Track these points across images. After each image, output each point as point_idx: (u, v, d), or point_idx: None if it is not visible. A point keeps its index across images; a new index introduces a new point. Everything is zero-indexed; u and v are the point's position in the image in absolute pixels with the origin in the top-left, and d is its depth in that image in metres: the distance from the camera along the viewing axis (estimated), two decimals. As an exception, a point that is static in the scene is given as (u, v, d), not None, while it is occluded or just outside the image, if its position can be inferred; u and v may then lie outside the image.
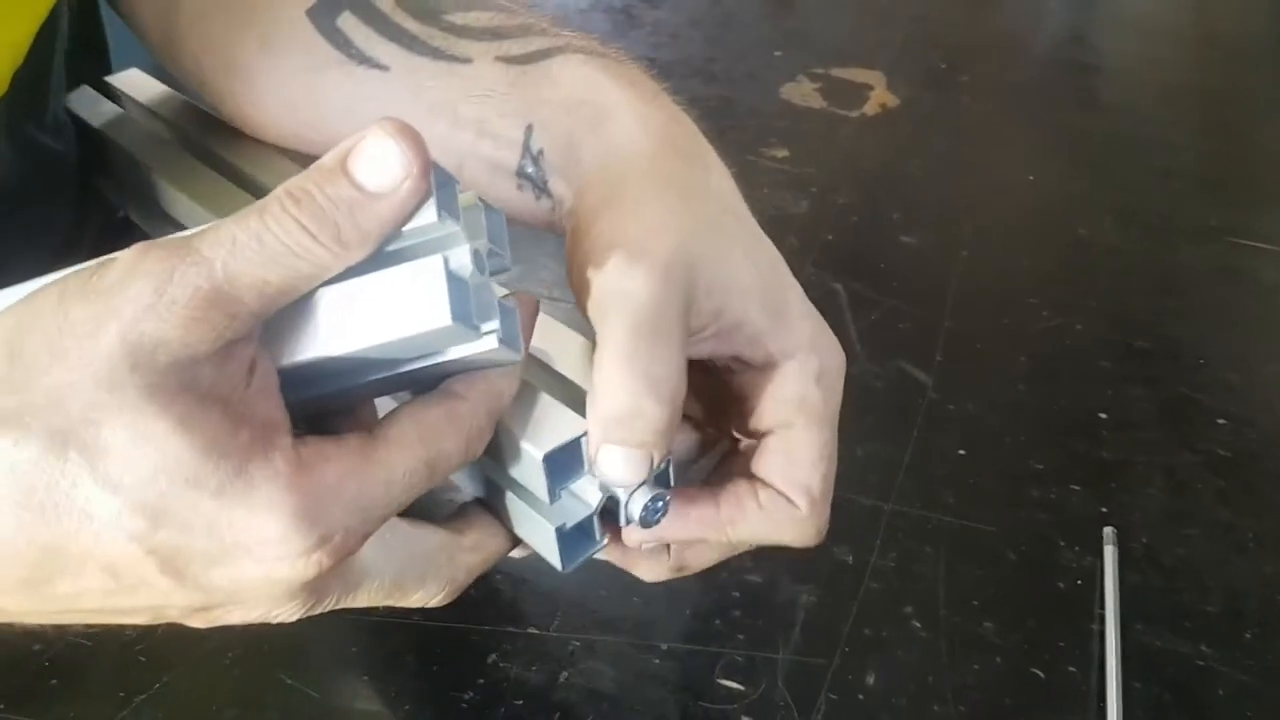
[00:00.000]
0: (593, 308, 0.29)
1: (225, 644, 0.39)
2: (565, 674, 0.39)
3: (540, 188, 0.35)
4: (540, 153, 0.34)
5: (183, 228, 0.45)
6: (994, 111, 0.80)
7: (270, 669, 0.38)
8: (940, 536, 0.45)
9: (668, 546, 0.33)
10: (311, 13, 0.39)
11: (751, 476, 0.31)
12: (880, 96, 0.79)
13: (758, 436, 0.31)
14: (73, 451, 0.23)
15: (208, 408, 0.24)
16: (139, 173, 0.47)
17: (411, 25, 0.38)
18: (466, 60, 0.36)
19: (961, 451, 0.49)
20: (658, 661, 0.39)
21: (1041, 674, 0.40)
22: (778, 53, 0.85)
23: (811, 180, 0.69)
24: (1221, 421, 0.52)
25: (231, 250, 0.23)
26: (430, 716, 0.37)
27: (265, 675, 0.38)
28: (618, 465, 0.29)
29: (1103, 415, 0.52)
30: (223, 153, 0.45)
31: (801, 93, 0.79)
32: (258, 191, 0.42)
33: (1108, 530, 0.45)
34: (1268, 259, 0.65)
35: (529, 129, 0.34)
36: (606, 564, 0.40)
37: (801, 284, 0.59)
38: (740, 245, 0.31)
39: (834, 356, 0.32)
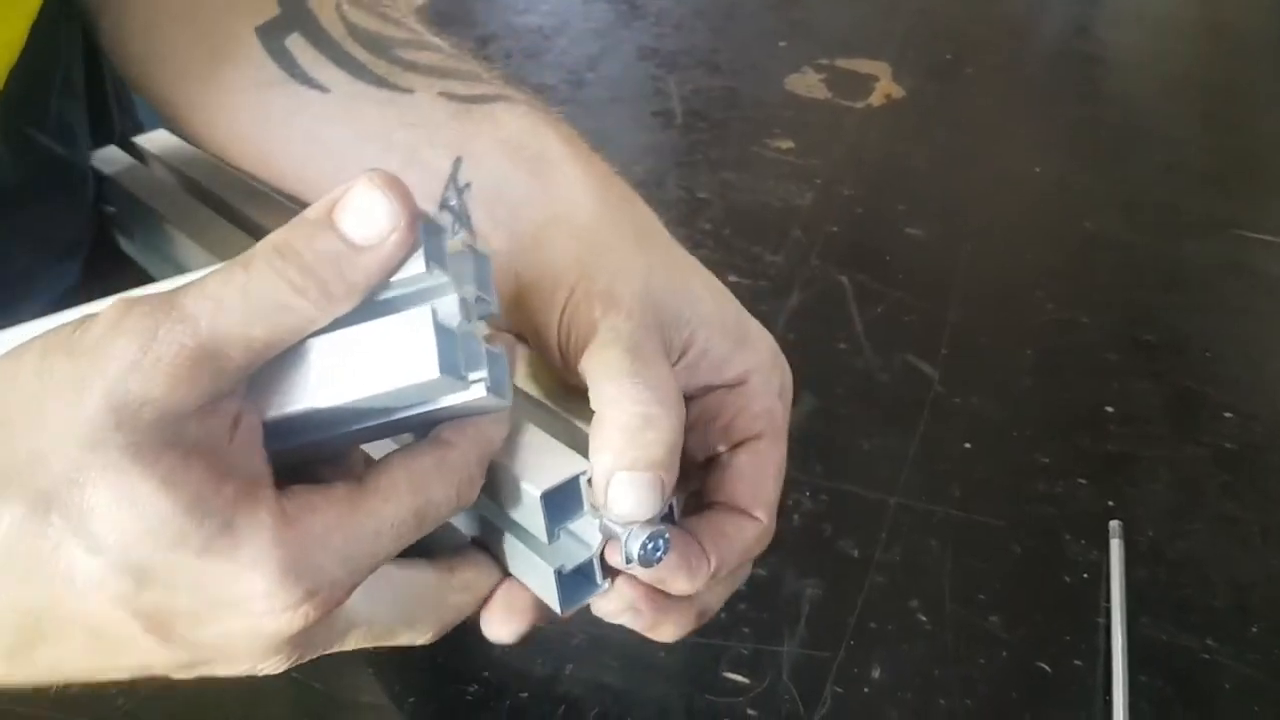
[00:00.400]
0: (586, 357, 0.30)
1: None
2: (570, 667, 0.39)
3: (462, 222, 0.35)
4: (467, 186, 0.35)
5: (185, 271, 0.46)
6: (999, 103, 0.80)
7: (275, 661, 0.38)
8: (946, 530, 0.45)
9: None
10: (261, 30, 0.40)
11: (713, 503, 0.32)
12: (885, 88, 0.79)
13: (718, 455, 0.32)
14: (55, 514, 0.23)
15: (191, 464, 0.23)
16: (154, 223, 0.48)
17: (360, 54, 0.39)
18: (409, 91, 0.37)
19: (967, 445, 0.49)
20: (663, 654, 0.39)
21: (1048, 667, 0.40)
22: (782, 43, 0.85)
23: (816, 172, 0.69)
24: (1228, 415, 0.52)
25: (217, 306, 0.23)
26: (435, 710, 0.37)
27: (270, 667, 0.38)
28: (629, 495, 0.28)
29: (1109, 409, 0.52)
30: (241, 206, 0.46)
31: (806, 84, 0.79)
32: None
33: (1114, 524, 0.45)
34: (1274, 252, 0.65)
35: (458, 161, 0.35)
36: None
37: (806, 276, 0.60)
38: (697, 278, 0.33)
39: (788, 374, 0.33)
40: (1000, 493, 0.47)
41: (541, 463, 0.29)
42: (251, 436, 0.25)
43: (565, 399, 0.32)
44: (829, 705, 0.38)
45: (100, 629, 0.24)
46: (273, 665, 0.26)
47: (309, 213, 0.24)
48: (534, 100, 0.39)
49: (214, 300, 0.23)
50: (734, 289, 0.60)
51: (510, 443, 0.29)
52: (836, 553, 0.43)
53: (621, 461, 0.28)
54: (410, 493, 0.26)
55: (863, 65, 0.81)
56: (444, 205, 0.37)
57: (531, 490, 0.28)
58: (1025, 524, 0.45)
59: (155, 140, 0.55)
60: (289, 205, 0.46)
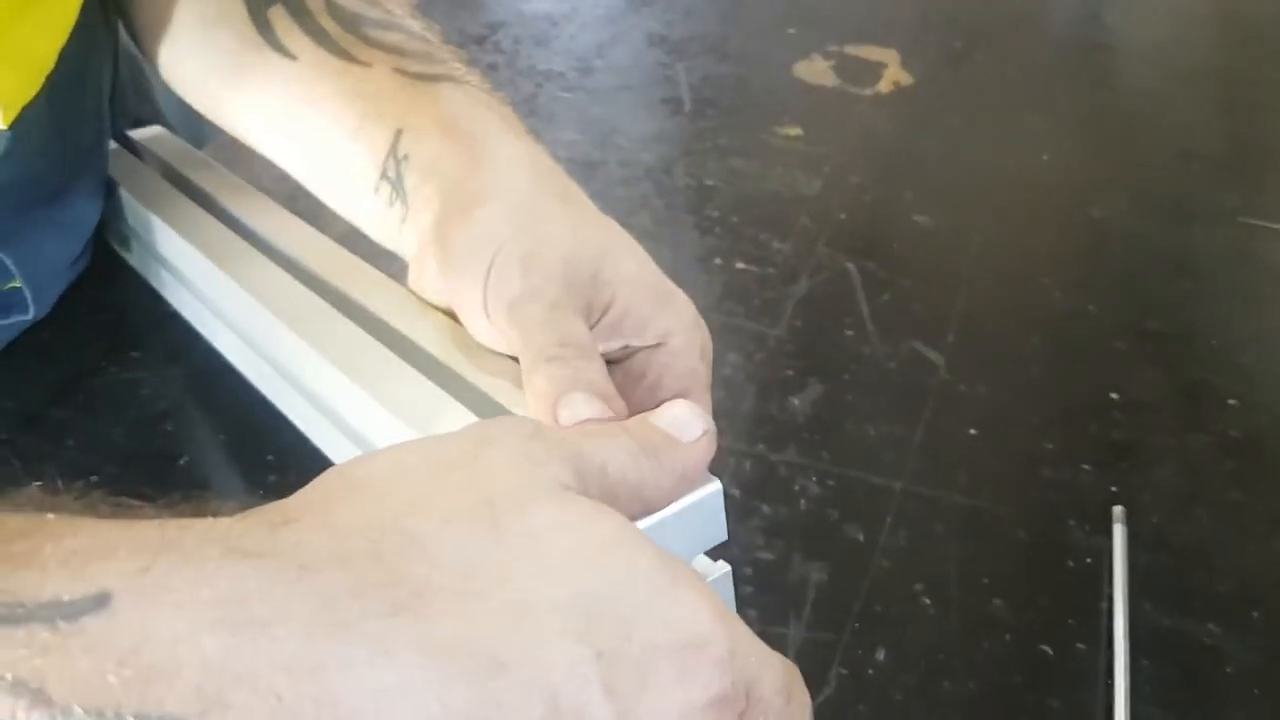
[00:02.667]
0: (508, 310, 0.33)
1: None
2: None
3: (398, 192, 0.38)
4: (405, 157, 0.38)
5: (173, 268, 0.48)
6: (1009, 91, 0.79)
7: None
8: (951, 515, 0.45)
9: None
10: (249, 1, 0.44)
11: None
12: (894, 75, 0.79)
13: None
14: (508, 538, 0.23)
15: (608, 508, 0.25)
16: (138, 215, 0.50)
17: (331, 27, 0.43)
18: (366, 65, 0.41)
19: (973, 431, 0.50)
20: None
21: (1050, 651, 0.40)
22: (791, 30, 0.85)
23: (824, 159, 0.69)
24: (1233, 403, 0.52)
25: (586, 435, 0.27)
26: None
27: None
28: (581, 404, 0.30)
29: (1114, 396, 0.52)
30: (227, 204, 0.48)
31: (815, 71, 0.79)
32: (251, 238, 0.45)
33: (1117, 509, 0.46)
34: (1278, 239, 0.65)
35: (399, 132, 0.38)
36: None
37: (813, 264, 0.60)
38: (620, 242, 0.35)
39: (708, 336, 0.36)
40: (1005, 479, 0.47)
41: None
42: None
43: (489, 366, 0.36)
44: (834, 687, 0.38)
45: (556, 689, 0.21)
46: None
47: (641, 418, 0.29)
48: (482, 83, 0.42)
49: (581, 436, 0.27)
50: (741, 276, 0.61)
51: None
52: (842, 537, 0.44)
53: (558, 390, 0.31)
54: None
55: (872, 52, 0.81)
56: (384, 175, 0.40)
57: None
58: (1030, 510, 0.46)
59: (149, 135, 0.57)
60: (274, 204, 0.48)
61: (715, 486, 0.30)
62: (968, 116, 0.76)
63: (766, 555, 0.43)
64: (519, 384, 0.33)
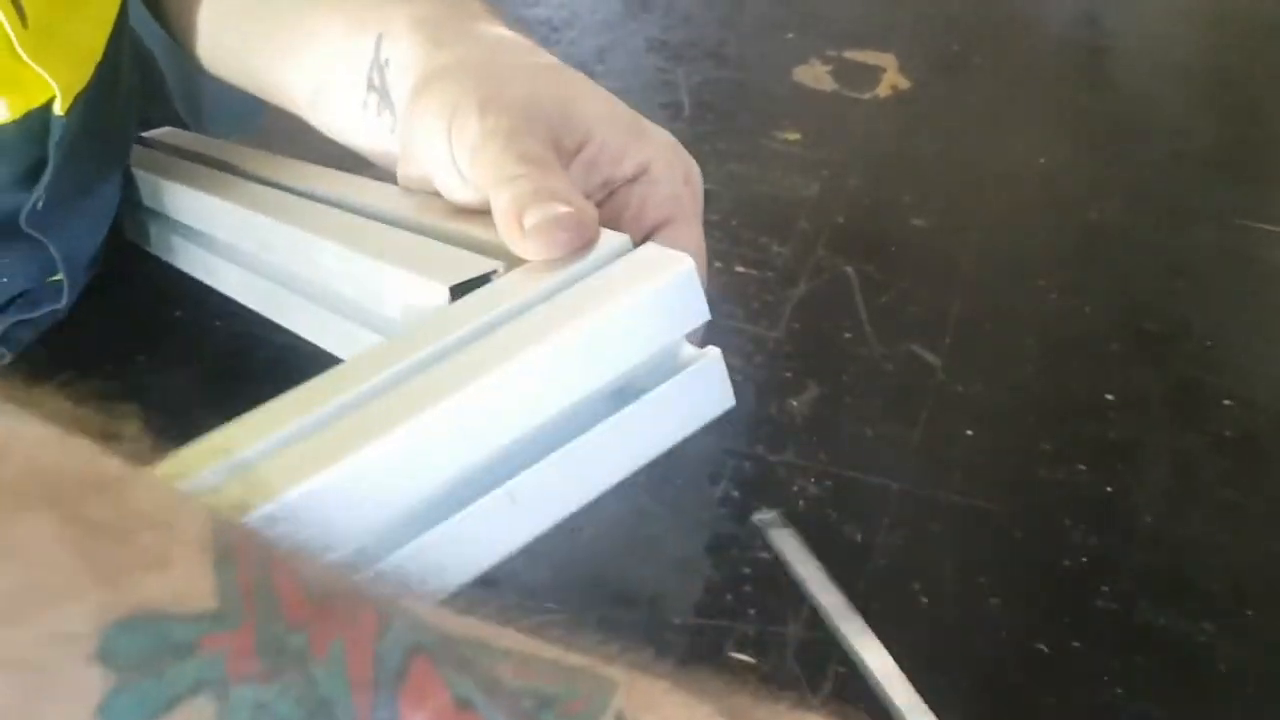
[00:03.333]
0: (470, 155, 0.33)
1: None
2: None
3: (384, 98, 0.39)
4: (387, 62, 0.39)
5: (188, 229, 0.49)
6: (1006, 94, 0.80)
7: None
8: (947, 515, 0.46)
9: None
10: None
11: None
12: (892, 79, 0.80)
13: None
14: None
15: None
16: (154, 190, 0.51)
17: None
18: None
19: (970, 432, 0.50)
20: (670, 635, 0.40)
21: (1046, 649, 0.41)
22: (790, 35, 0.85)
23: (823, 163, 0.69)
24: (1228, 403, 0.53)
25: None
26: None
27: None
28: (546, 207, 0.31)
29: (1110, 396, 0.53)
30: (234, 160, 0.49)
31: (813, 75, 0.80)
32: (259, 180, 0.46)
33: (763, 516, 0.44)
34: (1278, 241, 0.66)
35: (379, 38, 0.39)
36: (621, 540, 0.41)
37: (812, 266, 0.61)
38: (587, 85, 0.36)
39: (694, 164, 0.37)
40: (1002, 479, 0.48)
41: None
42: None
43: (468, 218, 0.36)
44: (832, 684, 0.39)
45: None
46: None
47: None
48: None
49: None
50: (741, 279, 0.61)
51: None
52: (840, 537, 0.44)
53: (520, 205, 0.31)
54: None
55: (870, 57, 0.82)
56: (370, 85, 0.41)
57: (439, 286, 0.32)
58: (1026, 509, 0.46)
59: (162, 133, 0.58)
60: (282, 157, 0.49)
61: (687, 263, 0.30)
62: (965, 120, 0.76)
63: (765, 555, 0.43)
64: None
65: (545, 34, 0.83)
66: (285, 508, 0.24)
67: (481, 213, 0.35)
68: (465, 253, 0.34)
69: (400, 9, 0.39)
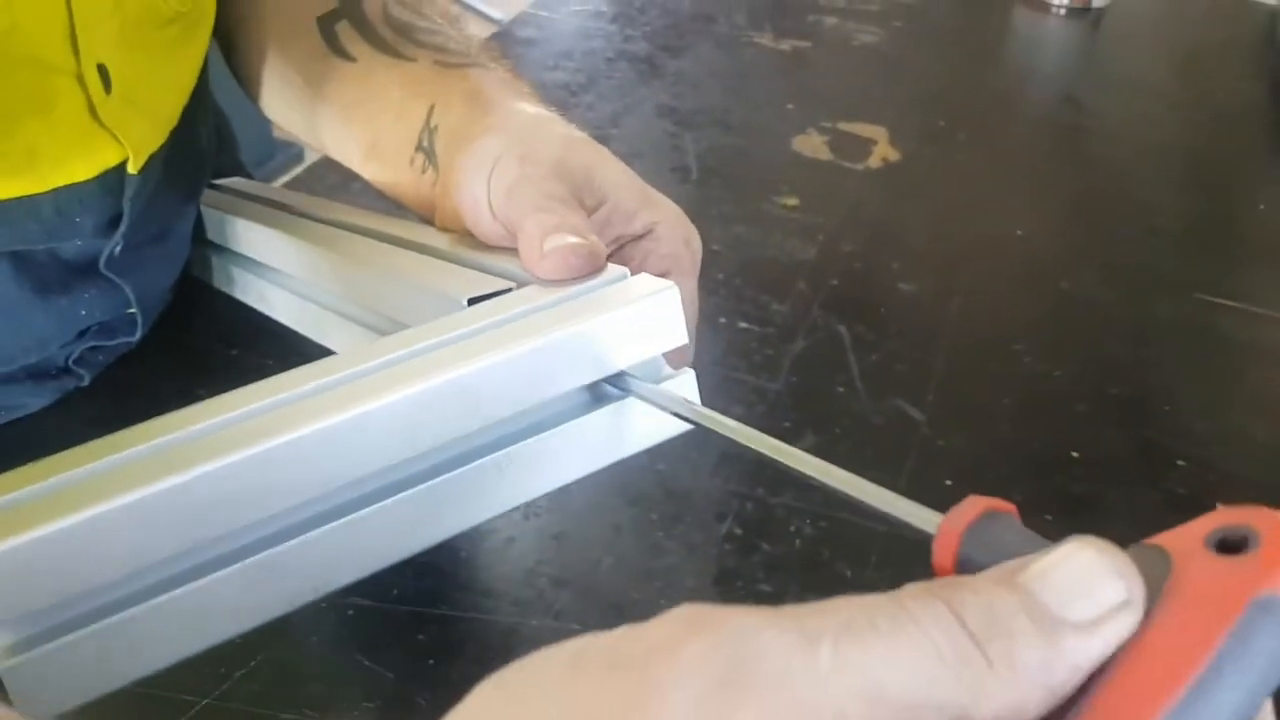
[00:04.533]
0: (506, 194, 0.38)
1: (309, 627, 0.45)
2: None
3: (429, 158, 0.45)
4: (436, 128, 0.45)
5: (250, 262, 0.54)
6: (987, 168, 0.86)
7: (350, 651, 0.44)
8: (929, 555, 0.51)
9: None
10: (320, 19, 0.51)
11: None
12: (883, 151, 0.86)
13: None
14: None
15: None
16: (220, 226, 0.56)
17: (386, 34, 0.51)
18: (411, 60, 0.48)
19: (949, 482, 0.55)
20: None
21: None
22: (790, 106, 0.91)
23: (819, 229, 0.75)
24: (1182, 463, 0.58)
25: (844, 633, 0.17)
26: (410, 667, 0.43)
27: (346, 656, 0.44)
28: (557, 255, 0.35)
29: (1075, 454, 0.58)
30: (295, 204, 0.54)
31: (811, 145, 0.86)
32: (314, 218, 0.51)
33: None
34: (1235, 316, 0.71)
35: (431, 108, 0.45)
36: (639, 571, 0.45)
37: (808, 326, 0.67)
38: (607, 155, 0.41)
39: (694, 231, 0.41)
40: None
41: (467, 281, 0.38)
42: None
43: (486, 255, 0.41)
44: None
45: None
46: None
47: (1008, 571, 0.19)
48: (509, 69, 0.49)
49: (832, 641, 0.17)
50: (744, 335, 0.68)
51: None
52: (832, 573, 0.50)
53: (544, 231, 0.36)
54: None
55: (863, 129, 0.88)
56: (419, 146, 0.47)
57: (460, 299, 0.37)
58: (998, 553, 0.51)
59: (231, 182, 0.63)
60: (337, 203, 0.54)
61: (671, 289, 0.34)
62: (949, 192, 0.82)
63: (766, 588, 0.49)
64: (516, 259, 0.38)
65: (564, 97, 0.89)
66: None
67: (504, 249, 0.41)
68: (484, 275, 0.39)
69: (456, 84, 0.45)
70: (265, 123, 0.59)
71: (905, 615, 0.17)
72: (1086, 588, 0.18)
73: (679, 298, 0.35)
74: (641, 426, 0.36)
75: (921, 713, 0.17)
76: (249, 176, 0.68)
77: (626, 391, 0.34)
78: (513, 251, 0.39)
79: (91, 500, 0.27)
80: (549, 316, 0.34)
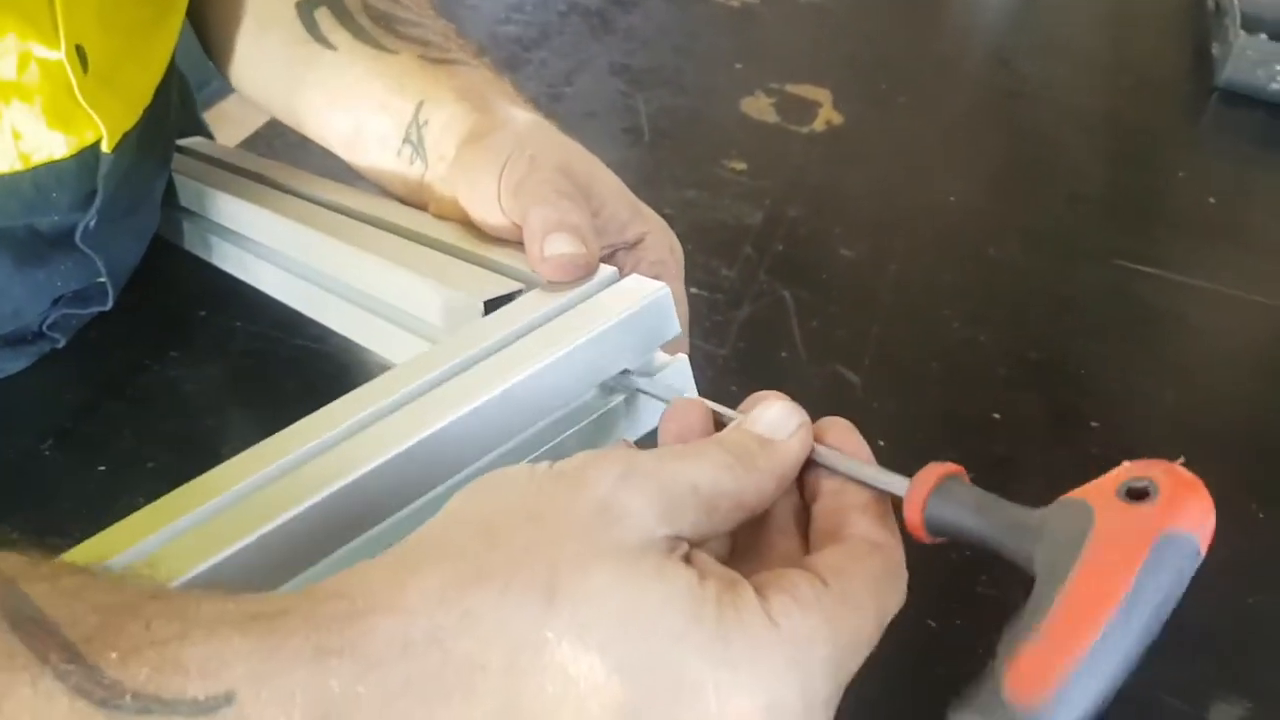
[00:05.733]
0: (515, 189, 0.41)
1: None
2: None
3: (418, 152, 0.48)
4: (425, 123, 0.48)
5: (225, 230, 0.57)
6: (925, 134, 0.90)
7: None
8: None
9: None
10: (299, 5, 0.52)
11: None
12: (827, 114, 0.89)
13: None
14: (562, 600, 0.24)
15: (672, 562, 0.26)
16: (192, 192, 0.58)
17: (365, 23, 0.53)
18: (394, 53, 0.50)
19: (882, 443, 0.58)
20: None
21: (934, 624, 0.50)
22: (738, 65, 0.94)
23: (766, 193, 0.78)
24: (1095, 424, 0.63)
25: (675, 466, 0.28)
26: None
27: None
28: (558, 243, 0.38)
29: (997, 416, 0.63)
30: (266, 172, 0.56)
31: (758, 107, 0.88)
32: (292, 191, 0.53)
33: None
34: (1152, 282, 0.76)
35: (420, 103, 0.47)
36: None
37: (756, 291, 0.70)
38: (602, 165, 0.44)
39: (676, 241, 0.45)
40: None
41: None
42: (709, 562, 0.27)
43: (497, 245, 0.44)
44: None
45: None
46: None
47: (736, 423, 0.31)
48: (490, 67, 0.52)
49: (671, 459, 0.28)
50: (694, 301, 0.71)
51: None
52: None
53: (548, 228, 0.39)
54: (874, 599, 0.29)
55: (808, 91, 0.91)
56: (406, 139, 0.49)
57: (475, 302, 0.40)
58: (924, 510, 0.56)
59: (194, 142, 0.65)
60: (308, 173, 0.56)
61: (664, 289, 0.38)
62: (889, 157, 0.86)
63: (712, 543, 0.53)
64: (520, 256, 0.42)
65: (517, 53, 0.91)
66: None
67: (504, 243, 0.44)
68: (494, 274, 0.42)
69: (444, 80, 0.47)
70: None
71: (699, 448, 0.29)
72: (782, 420, 0.32)
73: (669, 296, 0.39)
74: (644, 415, 0.40)
75: (718, 500, 0.28)
76: (209, 136, 0.69)
77: (630, 387, 0.38)
78: (516, 246, 0.42)
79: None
80: (563, 325, 0.37)
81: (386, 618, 0.24)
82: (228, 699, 0.23)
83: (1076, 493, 0.27)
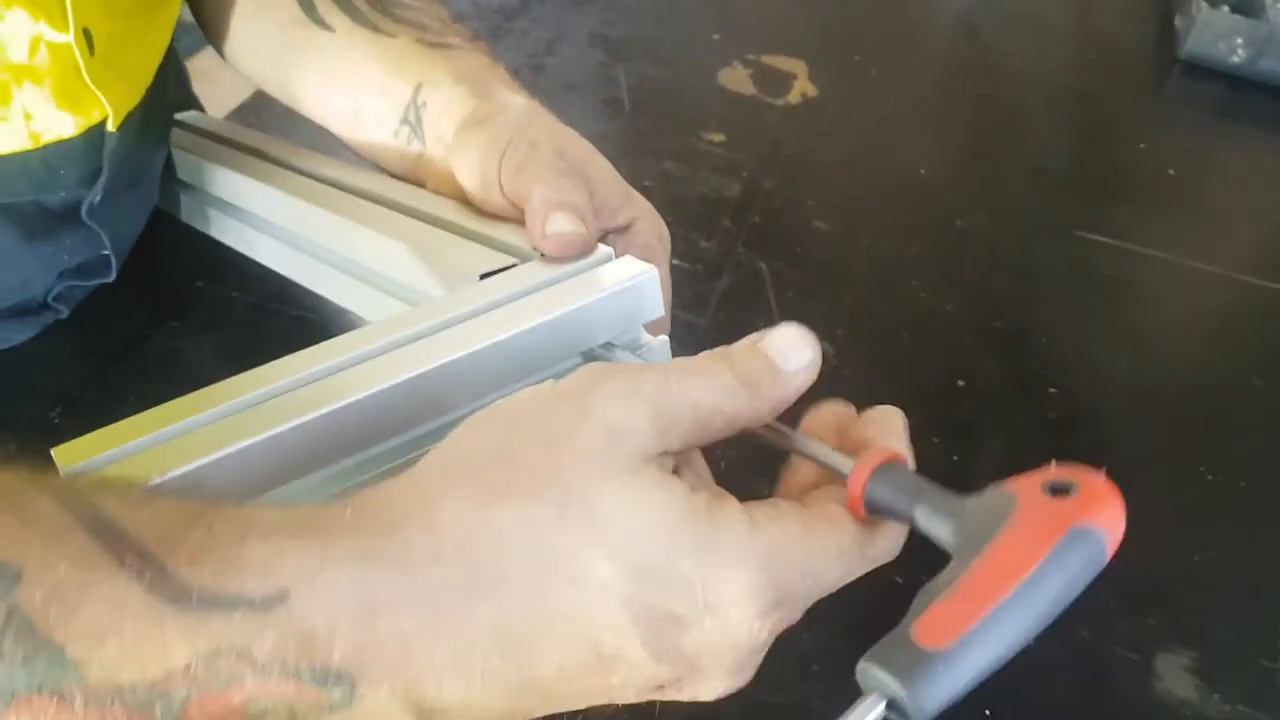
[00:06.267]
0: (516, 170, 0.43)
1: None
2: None
3: (416, 132, 0.50)
4: (424, 104, 0.49)
5: (224, 203, 0.58)
6: (896, 107, 0.92)
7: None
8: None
9: None
10: None
11: None
12: (802, 86, 0.91)
13: None
14: (572, 518, 0.27)
15: (670, 476, 0.28)
16: (190, 166, 0.60)
17: (363, 6, 0.53)
18: (392, 36, 0.52)
19: (855, 410, 0.63)
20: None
21: (900, 580, 0.54)
22: (715, 36, 0.96)
23: (743, 165, 0.81)
24: (1053, 391, 0.67)
25: (677, 383, 0.29)
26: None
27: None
28: (560, 222, 0.40)
29: (961, 383, 0.66)
30: (263, 147, 0.58)
31: (735, 78, 0.91)
32: (289, 166, 0.55)
33: None
34: (1110, 252, 0.80)
35: (419, 86, 0.49)
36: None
37: (734, 263, 0.73)
38: (598, 154, 0.46)
39: (664, 226, 0.47)
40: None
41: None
42: (696, 478, 0.31)
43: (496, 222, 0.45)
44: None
45: (601, 639, 0.27)
46: (734, 683, 0.29)
47: (753, 341, 0.32)
48: (486, 52, 0.53)
49: (677, 378, 0.29)
50: (675, 272, 0.74)
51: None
52: (747, 487, 0.57)
53: (550, 207, 0.41)
54: (850, 524, 0.31)
55: (784, 63, 0.93)
56: (404, 120, 0.51)
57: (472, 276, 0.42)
58: (892, 473, 0.59)
59: (189, 116, 0.66)
60: (304, 148, 0.58)
61: (652, 270, 0.40)
62: (861, 130, 0.88)
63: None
64: (518, 233, 0.43)
65: (499, 23, 0.92)
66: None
67: (501, 220, 0.46)
68: (490, 250, 0.44)
69: (442, 64, 0.49)
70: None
71: (708, 366, 0.30)
72: (793, 348, 0.32)
73: (659, 278, 0.41)
74: None
75: (714, 418, 0.30)
76: (200, 109, 0.71)
77: (612, 359, 0.40)
78: (514, 224, 0.44)
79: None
80: (552, 294, 0.39)
81: (421, 531, 0.27)
82: (281, 596, 0.25)
83: (1006, 484, 0.30)
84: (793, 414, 0.35)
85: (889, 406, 0.37)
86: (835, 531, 0.30)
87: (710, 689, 0.29)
